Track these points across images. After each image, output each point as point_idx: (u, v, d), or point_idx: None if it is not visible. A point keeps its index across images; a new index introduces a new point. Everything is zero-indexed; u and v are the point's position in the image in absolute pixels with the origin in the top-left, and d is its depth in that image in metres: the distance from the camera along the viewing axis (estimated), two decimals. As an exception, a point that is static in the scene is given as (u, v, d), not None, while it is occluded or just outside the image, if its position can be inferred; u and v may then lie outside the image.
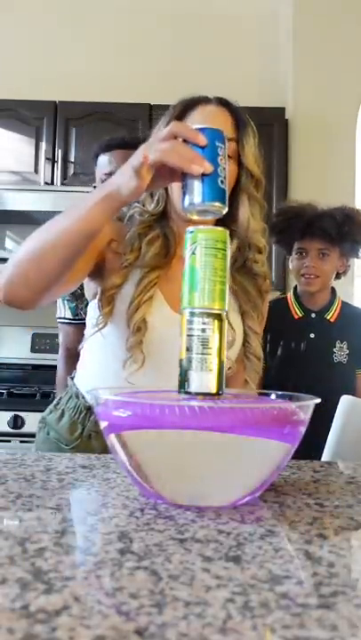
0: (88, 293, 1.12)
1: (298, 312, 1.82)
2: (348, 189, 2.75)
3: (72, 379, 1.19)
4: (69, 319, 1.94)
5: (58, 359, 2.06)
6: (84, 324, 1.15)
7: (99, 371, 1.10)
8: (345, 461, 0.98)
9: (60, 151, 2.70)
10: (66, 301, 1.92)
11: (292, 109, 2.85)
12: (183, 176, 0.73)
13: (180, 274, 0.70)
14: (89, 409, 1.09)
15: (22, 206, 2.61)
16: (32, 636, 0.35)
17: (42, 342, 2.88)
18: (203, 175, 0.71)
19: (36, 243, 0.89)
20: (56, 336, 2.86)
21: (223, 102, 1.03)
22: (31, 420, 2.28)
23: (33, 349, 2.88)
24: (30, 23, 3.05)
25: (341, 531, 0.58)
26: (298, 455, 0.74)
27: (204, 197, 0.71)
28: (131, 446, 0.66)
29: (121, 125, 2.72)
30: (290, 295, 1.87)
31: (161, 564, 0.47)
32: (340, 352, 1.78)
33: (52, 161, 2.71)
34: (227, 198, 0.73)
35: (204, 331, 0.66)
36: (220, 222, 1.05)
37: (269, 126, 2.68)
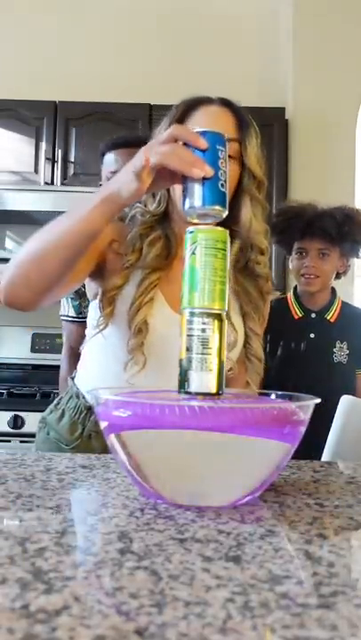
0: (89, 293, 1.12)
1: (298, 312, 1.82)
2: (348, 189, 2.75)
3: (72, 379, 1.19)
4: (72, 317, 1.94)
5: (61, 358, 2.06)
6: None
7: (99, 371, 1.10)
8: (345, 461, 0.98)
9: (60, 151, 2.70)
10: (69, 299, 1.92)
11: (292, 109, 2.85)
12: (184, 179, 0.73)
13: (182, 275, 0.70)
14: (89, 409, 1.09)
15: (22, 206, 2.61)
16: (32, 635, 0.35)
17: (42, 342, 2.88)
18: (203, 179, 0.71)
19: (37, 244, 0.89)
20: (56, 336, 2.88)
21: (226, 103, 1.03)
22: (31, 420, 2.28)
23: (33, 349, 2.88)
24: (30, 23, 3.05)
25: (341, 531, 0.58)
26: (298, 455, 0.74)
27: (205, 201, 0.71)
28: (131, 446, 0.66)
29: (121, 125, 2.72)
30: (290, 295, 1.87)
31: (161, 563, 0.47)
32: (341, 352, 1.78)
33: (52, 161, 2.71)
34: (227, 202, 0.73)
35: (204, 331, 0.66)
36: (221, 223, 1.05)
37: (269, 126, 2.68)
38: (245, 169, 1.02)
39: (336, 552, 0.51)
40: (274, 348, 1.77)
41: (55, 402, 1.19)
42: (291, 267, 1.85)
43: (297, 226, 1.76)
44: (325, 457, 1.21)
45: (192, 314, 0.67)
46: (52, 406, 1.19)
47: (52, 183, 2.69)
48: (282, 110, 2.82)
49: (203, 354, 0.66)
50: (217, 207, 0.71)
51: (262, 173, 1.04)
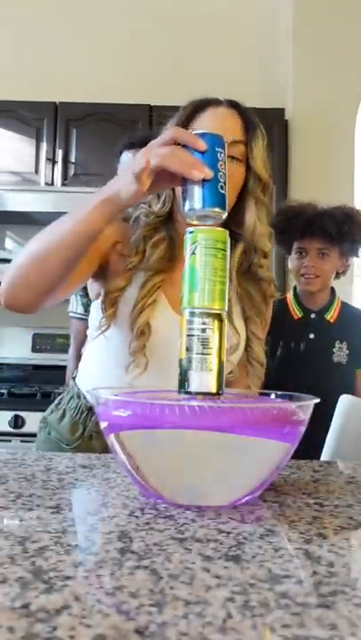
0: (91, 293, 1.12)
1: (297, 312, 1.82)
2: (347, 189, 2.75)
3: (74, 379, 1.19)
4: (81, 314, 1.95)
5: (68, 356, 2.07)
6: None
7: (101, 372, 1.10)
8: (345, 461, 0.98)
9: (60, 152, 2.71)
10: (78, 296, 1.92)
11: (291, 110, 2.85)
12: (183, 181, 0.73)
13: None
14: (90, 409, 1.09)
15: (23, 207, 2.61)
16: (32, 635, 0.36)
17: (42, 342, 2.88)
18: (203, 181, 0.71)
19: (37, 245, 0.89)
20: (57, 336, 2.88)
21: (233, 105, 1.02)
22: (32, 420, 2.28)
23: (34, 349, 2.88)
24: (30, 23, 3.05)
25: (341, 530, 0.58)
26: (298, 455, 0.74)
27: (205, 203, 0.71)
28: (131, 446, 0.66)
29: (121, 126, 2.72)
30: (289, 295, 1.87)
31: (161, 563, 0.47)
32: (340, 352, 1.77)
33: (53, 161, 2.71)
34: (227, 203, 0.73)
35: (204, 331, 0.66)
36: (226, 226, 1.05)
37: (269, 127, 2.66)
38: (251, 171, 1.02)
39: (336, 551, 0.51)
40: (273, 348, 1.77)
41: (56, 402, 1.19)
42: (290, 267, 1.85)
43: (297, 225, 1.76)
44: (325, 457, 1.21)
45: (192, 314, 0.67)
46: (52, 406, 1.19)
47: (53, 184, 2.70)
48: (281, 111, 2.82)
49: (203, 354, 0.66)
50: (217, 209, 0.71)
51: (268, 176, 1.04)
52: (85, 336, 1.81)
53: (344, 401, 1.26)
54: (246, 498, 0.65)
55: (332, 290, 1.86)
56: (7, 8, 3.07)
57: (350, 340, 1.79)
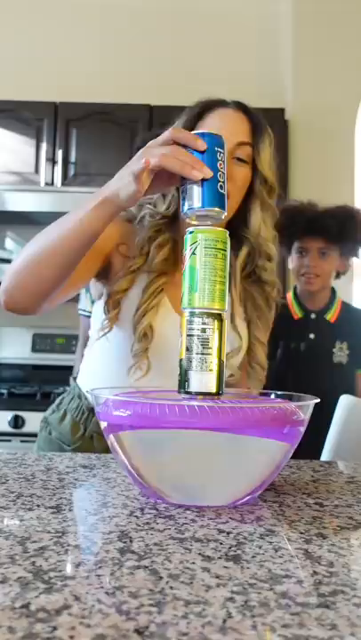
0: (94, 293, 1.12)
1: (297, 312, 1.82)
2: (347, 189, 2.75)
3: (75, 379, 1.19)
4: (90, 312, 1.95)
5: (76, 354, 2.06)
6: None
7: (102, 373, 1.10)
8: (345, 461, 0.98)
9: (60, 152, 2.71)
10: (89, 294, 1.92)
11: (291, 110, 2.85)
12: (182, 181, 0.73)
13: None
14: (91, 410, 1.09)
15: (22, 207, 2.61)
16: (32, 634, 0.36)
17: (42, 342, 2.88)
18: (202, 180, 0.71)
19: (34, 248, 0.88)
20: (56, 336, 2.88)
21: (241, 106, 1.02)
22: (31, 420, 2.28)
23: (33, 349, 2.88)
24: (30, 23, 3.05)
25: (341, 530, 0.58)
26: (298, 455, 0.74)
27: (204, 202, 0.71)
28: (131, 446, 0.66)
29: (121, 126, 2.72)
30: (289, 295, 1.87)
31: (161, 563, 0.47)
32: (340, 352, 1.77)
33: (53, 161, 2.71)
34: (226, 203, 0.73)
35: (204, 331, 0.66)
36: (231, 228, 1.05)
37: (269, 127, 2.68)
38: (258, 173, 1.02)
39: (336, 551, 0.51)
40: (273, 348, 1.77)
41: (57, 402, 1.19)
42: (290, 266, 1.85)
43: (297, 225, 1.76)
44: (325, 457, 1.21)
45: (192, 314, 0.67)
46: (53, 406, 1.19)
47: (53, 184, 2.70)
48: (281, 111, 2.82)
49: (203, 354, 0.66)
50: (216, 208, 0.71)
51: (274, 179, 1.04)
52: None
53: (344, 401, 1.26)
54: (246, 498, 0.65)
55: (333, 290, 1.86)
56: (7, 8, 3.07)
57: (351, 341, 1.79)
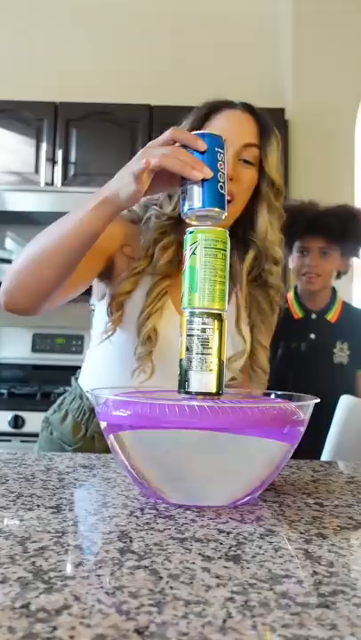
0: (97, 294, 1.11)
1: (298, 312, 1.81)
2: (347, 189, 2.75)
3: (76, 379, 1.18)
4: None
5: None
6: None
7: (103, 374, 1.10)
8: (345, 461, 0.98)
9: (60, 152, 2.71)
10: None
11: (291, 110, 2.85)
12: (183, 181, 0.73)
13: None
14: (93, 410, 1.08)
15: (23, 207, 2.61)
16: (32, 634, 0.36)
17: (42, 342, 2.88)
18: (203, 180, 0.71)
19: (34, 248, 0.88)
20: (56, 336, 2.88)
21: (249, 108, 1.02)
22: (31, 420, 2.28)
23: (33, 349, 2.88)
24: (30, 23, 3.05)
25: (341, 530, 0.58)
26: (298, 455, 0.74)
27: (204, 203, 0.71)
28: (131, 446, 0.66)
29: (121, 126, 2.72)
30: (290, 295, 1.86)
31: (161, 563, 0.47)
32: (341, 353, 1.77)
33: (53, 161, 2.71)
34: (226, 203, 0.73)
35: (204, 331, 0.66)
36: (237, 231, 1.05)
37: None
38: (264, 176, 1.01)
39: (336, 551, 0.51)
40: (274, 348, 1.76)
41: (58, 402, 1.19)
42: (291, 266, 1.85)
43: (298, 224, 1.75)
44: (325, 457, 1.21)
45: (192, 314, 0.67)
46: (55, 406, 1.18)
47: (53, 184, 2.70)
48: (281, 111, 2.82)
49: (203, 354, 0.66)
50: (216, 209, 0.71)
51: (281, 181, 1.03)
52: None
53: (344, 401, 1.26)
54: (246, 498, 0.65)
55: (334, 290, 1.85)
56: (7, 8, 3.07)
57: (351, 341, 1.78)
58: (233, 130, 0.99)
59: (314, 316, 1.80)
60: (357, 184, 2.84)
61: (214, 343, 0.66)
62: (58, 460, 0.85)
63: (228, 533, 0.55)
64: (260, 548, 0.51)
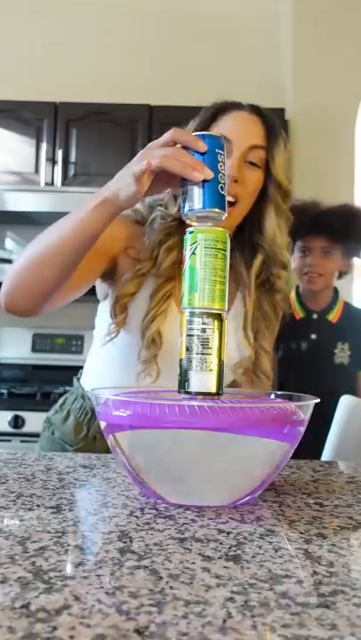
0: (99, 294, 1.11)
1: (299, 312, 1.81)
2: (348, 189, 2.75)
3: (78, 379, 1.18)
4: None
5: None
6: None
7: (106, 376, 1.09)
8: (345, 461, 0.98)
9: (60, 152, 2.70)
10: None
11: (291, 110, 2.85)
12: (183, 182, 0.73)
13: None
14: (94, 411, 1.08)
15: (22, 207, 2.61)
16: (32, 634, 0.36)
17: (42, 342, 2.88)
18: (203, 182, 0.71)
19: (36, 249, 0.87)
20: (56, 336, 2.88)
21: (256, 110, 1.02)
22: (31, 420, 2.28)
23: (34, 349, 2.88)
24: (30, 23, 3.05)
25: (341, 530, 0.58)
26: (298, 455, 0.74)
27: (205, 204, 0.71)
28: (131, 446, 0.66)
29: (121, 126, 2.72)
30: (292, 295, 1.86)
31: (161, 563, 0.47)
32: (342, 353, 1.77)
33: (53, 161, 2.71)
34: (226, 204, 0.73)
35: (204, 331, 0.66)
36: (246, 235, 1.04)
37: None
38: (272, 178, 1.01)
39: (336, 551, 0.51)
40: (275, 348, 1.76)
41: (60, 402, 1.18)
42: (293, 266, 1.84)
43: (300, 224, 1.75)
44: (325, 457, 1.21)
45: (192, 314, 0.67)
46: (56, 406, 1.18)
47: (53, 184, 2.69)
48: (281, 111, 2.82)
49: (203, 354, 0.66)
50: (217, 210, 0.71)
51: (289, 184, 1.03)
52: None
53: (345, 401, 1.26)
54: (246, 498, 0.65)
55: (336, 290, 1.85)
56: (7, 8, 3.07)
57: (353, 341, 1.78)
58: (240, 131, 0.98)
59: (315, 316, 1.80)
60: (357, 184, 2.84)
61: (214, 343, 0.66)
62: (58, 460, 0.85)
63: (228, 533, 0.55)
64: (260, 548, 0.51)
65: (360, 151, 2.88)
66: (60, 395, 1.22)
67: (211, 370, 0.66)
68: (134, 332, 1.01)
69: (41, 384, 2.57)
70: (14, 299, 0.91)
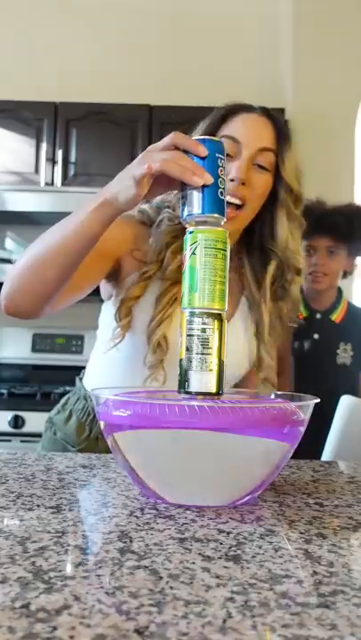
0: (104, 294, 1.11)
1: (302, 312, 1.81)
2: (347, 189, 2.75)
3: (81, 380, 1.18)
4: None
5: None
6: None
7: (109, 376, 1.09)
8: (345, 461, 0.98)
9: (60, 152, 2.70)
10: None
11: (292, 110, 2.85)
12: (182, 186, 0.72)
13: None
14: None
15: (22, 207, 2.61)
16: (32, 634, 0.36)
17: (42, 342, 2.88)
18: (203, 186, 0.70)
19: (38, 249, 0.87)
20: (56, 336, 2.88)
21: (267, 113, 1.02)
22: (31, 420, 2.28)
23: (33, 349, 2.88)
24: (30, 23, 3.05)
25: (341, 530, 0.58)
26: (298, 455, 0.74)
27: (204, 209, 0.70)
28: (131, 446, 0.66)
29: (121, 126, 2.72)
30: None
31: (161, 563, 0.47)
32: (344, 354, 1.77)
33: (53, 161, 2.71)
34: (226, 209, 0.73)
35: (204, 331, 0.66)
36: (256, 241, 1.04)
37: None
38: (282, 182, 1.00)
39: (336, 551, 0.51)
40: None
41: (62, 402, 1.18)
42: None
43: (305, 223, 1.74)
44: (325, 457, 1.21)
45: (192, 314, 0.67)
46: (59, 406, 1.18)
47: (53, 184, 2.69)
48: (281, 111, 2.82)
49: (203, 354, 0.66)
50: (216, 215, 0.71)
51: (300, 188, 1.02)
52: None
53: (345, 401, 1.26)
54: (246, 498, 0.65)
55: (339, 290, 1.84)
56: (7, 8, 3.07)
57: (355, 342, 1.78)
58: (250, 133, 0.98)
59: (318, 315, 1.80)
60: (357, 184, 2.83)
61: (214, 343, 0.66)
62: (58, 460, 0.85)
63: (228, 533, 0.55)
64: (260, 548, 0.51)
65: (360, 151, 2.88)
66: (61, 395, 1.22)
67: (211, 370, 0.66)
68: (139, 335, 1.01)
69: (41, 384, 2.57)
70: (15, 301, 0.90)
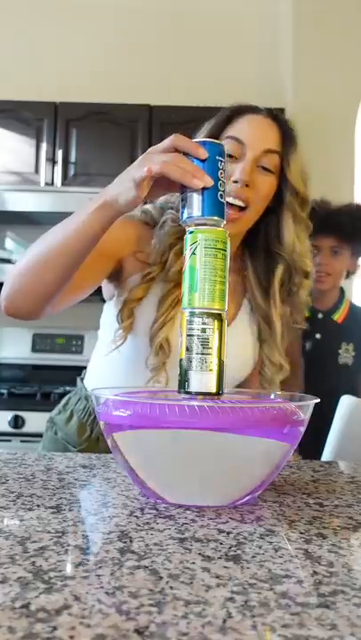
0: (105, 294, 1.10)
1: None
2: (347, 190, 2.75)
3: (82, 380, 1.18)
4: None
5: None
6: None
7: (110, 377, 1.09)
8: (345, 461, 0.98)
9: (60, 152, 2.70)
10: None
11: (291, 110, 2.85)
12: (182, 188, 0.72)
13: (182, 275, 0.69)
14: None
15: (22, 207, 2.61)
16: (32, 634, 0.36)
17: (42, 342, 2.88)
18: (203, 189, 0.70)
19: (40, 249, 0.87)
20: (56, 336, 2.88)
21: (272, 114, 1.01)
22: (31, 420, 2.28)
23: (33, 349, 2.88)
24: (30, 23, 3.05)
25: (341, 530, 0.58)
26: (300, 455, 0.74)
27: (204, 211, 0.70)
28: (131, 446, 0.66)
29: (121, 126, 2.72)
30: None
31: (161, 563, 0.47)
32: (346, 354, 1.77)
33: (53, 161, 2.71)
34: (225, 212, 0.73)
35: (204, 331, 0.66)
36: (265, 245, 1.04)
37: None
38: (288, 185, 1.00)
39: (336, 551, 0.51)
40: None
41: (63, 402, 1.18)
42: None
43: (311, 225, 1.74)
44: (325, 457, 1.21)
45: (192, 314, 0.67)
46: (60, 406, 1.18)
47: (53, 184, 2.69)
48: (281, 111, 2.81)
49: (203, 354, 0.66)
50: (215, 217, 0.71)
51: (306, 190, 1.02)
52: None
53: (346, 401, 1.26)
54: (246, 498, 0.65)
55: (342, 290, 1.84)
56: (7, 8, 3.07)
57: (357, 342, 1.78)
58: (255, 135, 0.98)
59: (320, 315, 1.79)
60: (357, 184, 2.84)
61: (214, 343, 0.66)
62: (58, 460, 0.85)
63: (228, 533, 0.55)
64: (260, 548, 0.51)
65: (360, 151, 2.88)
66: (61, 395, 1.22)
67: (211, 370, 0.66)
68: (141, 337, 1.00)
69: (41, 384, 2.57)
70: (15, 301, 0.90)
